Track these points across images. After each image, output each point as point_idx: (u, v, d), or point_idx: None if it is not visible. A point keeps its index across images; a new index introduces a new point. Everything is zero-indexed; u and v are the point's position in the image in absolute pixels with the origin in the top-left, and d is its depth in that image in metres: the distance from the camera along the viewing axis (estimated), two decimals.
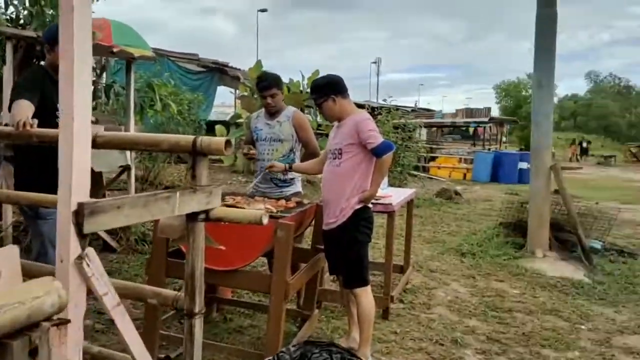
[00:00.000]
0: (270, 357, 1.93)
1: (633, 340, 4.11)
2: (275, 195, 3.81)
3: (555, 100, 63.28)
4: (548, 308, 4.71)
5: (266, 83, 3.81)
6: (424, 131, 23.68)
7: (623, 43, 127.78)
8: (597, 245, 6.60)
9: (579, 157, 33.99)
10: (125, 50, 4.98)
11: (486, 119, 20.00)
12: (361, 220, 3.24)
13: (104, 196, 5.35)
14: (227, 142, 2.02)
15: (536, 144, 6.48)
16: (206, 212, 2.08)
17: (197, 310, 2.08)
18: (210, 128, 10.73)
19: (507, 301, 4.85)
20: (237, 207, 2.99)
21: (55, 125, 2.85)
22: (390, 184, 10.00)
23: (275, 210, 3.05)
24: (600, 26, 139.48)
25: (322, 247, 3.45)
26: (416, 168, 16.82)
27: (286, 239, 2.78)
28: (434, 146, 22.05)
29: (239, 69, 11.33)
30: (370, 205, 3.34)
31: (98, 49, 4.54)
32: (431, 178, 16.74)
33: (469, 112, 21.06)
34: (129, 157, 4.53)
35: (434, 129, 24.93)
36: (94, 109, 5.07)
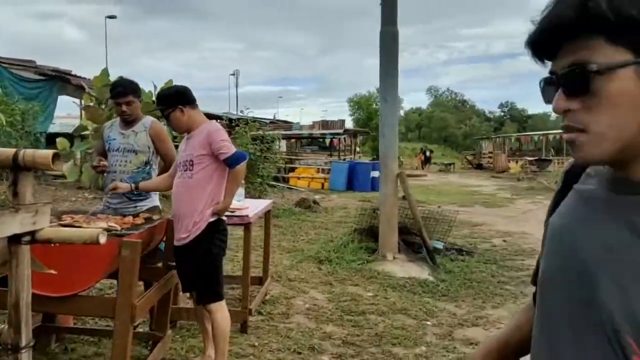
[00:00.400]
0: None
1: (472, 332, 4.50)
2: (129, 211, 3.56)
3: (402, 113, 68.38)
4: (398, 308, 5.00)
5: (121, 89, 3.56)
6: (283, 143, 24.06)
7: (457, 62, 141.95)
8: (439, 245, 7.18)
9: (423, 165, 36.93)
10: None
11: (341, 131, 20.89)
12: (215, 233, 3.16)
13: None
14: (56, 155, 1.84)
15: (384, 153, 6.89)
16: (32, 233, 1.87)
17: (23, 343, 1.85)
18: (52, 141, 9.82)
19: (362, 304, 5.05)
20: (75, 227, 2.75)
21: None
22: (250, 195, 10.02)
23: (119, 228, 2.84)
24: (437, 46, 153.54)
25: (174, 264, 3.30)
26: (276, 179, 16.99)
27: (132, 258, 2.60)
28: (293, 157, 22.48)
29: (84, 78, 10.51)
30: (224, 218, 3.27)
31: None
32: (291, 188, 17.02)
33: (325, 124, 21.84)
34: None
35: (293, 140, 25.47)
36: None
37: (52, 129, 11.57)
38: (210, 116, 19.63)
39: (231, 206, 4.30)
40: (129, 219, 3.20)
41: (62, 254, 2.53)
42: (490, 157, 35.98)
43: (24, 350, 1.83)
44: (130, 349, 2.66)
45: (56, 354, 3.43)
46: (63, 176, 9.76)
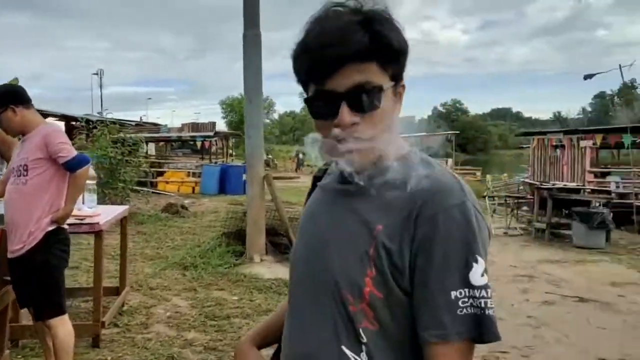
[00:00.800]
0: None
1: None
2: None
3: (276, 116, 69.09)
4: (263, 309, 5.01)
5: None
6: (151, 145, 23.03)
7: None
8: None
9: (298, 167, 37.51)
10: None
11: (211, 133, 20.49)
12: (55, 243, 2.93)
13: None
14: None
15: (250, 155, 6.88)
16: None
17: None
18: None
19: (226, 308, 4.99)
20: None
21: None
22: (112, 202, 9.45)
23: None
24: None
25: (9, 278, 3.00)
26: (142, 184, 16.23)
27: None
28: (162, 161, 21.62)
29: None
30: (65, 226, 3.04)
31: None
32: (159, 193, 16.37)
33: (195, 126, 21.25)
34: None
35: (162, 143, 24.50)
36: None
37: None
38: (68, 118, 18.21)
39: (81, 213, 4.04)
40: None
41: None
42: None
43: None
44: None
45: None
46: None
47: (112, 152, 9.52)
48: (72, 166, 2.91)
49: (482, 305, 0.85)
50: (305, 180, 26.30)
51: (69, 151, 2.90)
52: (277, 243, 7.02)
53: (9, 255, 2.90)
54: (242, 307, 5.05)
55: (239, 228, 7.49)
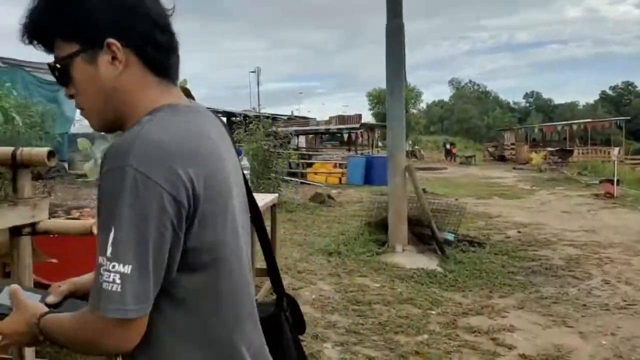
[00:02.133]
0: None
1: (475, 320, 4.58)
2: None
3: (424, 106, 68.00)
4: (404, 298, 5.09)
5: None
6: (302, 138, 24.20)
7: (480, 52, 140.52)
8: (451, 237, 7.23)
9: (451, 157, 36.46)
10: None
11: (357, 125, 20.93)
12: None
13: None
14: (51, 153, 1.99)
15: (391, 146, 6.97)
16: (32, 225, 2.02)
17: None
18: (73, 142, 10.12)
19: (368, 294, 5.16)
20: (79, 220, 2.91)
21: None
22: (265, 191, 10.17)
23: None
24: (458, 37, 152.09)
25: None
26: (293, 175, 17.15)
27: None
28: (311, 152, 22.60)
29: None
30: None
31: None
32: (308, 183, 17.16)
33: (342, 118, 21.90)
34: None
35: (311, 136, 25.58)
36: None
37: (73, 130, 11.90)
38: (229, 114, 19.85)
39: None
40: None
41: (78, 245, 2.70)
42: (512, 149, 35.57)
43: None
44: None
45: None
46: (85, 175, 10.04)
47: (266, 144, 10.21)
48: None
49: (102, 278, 0.83)
50: (453, 171, 25.68)
51: None
52: (420, 233, 7.02)
53: None
54: (383, 295, 5.17)
55: (382, 218, 7.62)
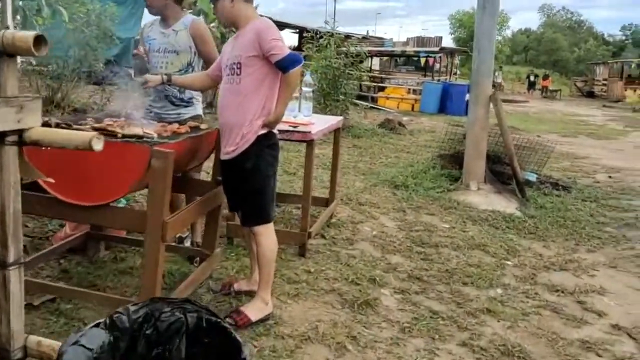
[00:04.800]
0: (102, 320, 1.52)
1: (558, 277, 3.96)
2: (171, 118, 3.33)
3: (509, 33, 63.44)
4: (476, 243, 4.51)
5: None
6: (376, 60, 23.03)
7: None
8: (532, 177, 6.47)
9: (529, 90, 34.13)
10: None
11: (436, 49, 19.51)
12: (265, 147, 2.80)
13: None
14: (39, 38, 1.50)
15: (477, 69, 6.10)
16: (19, 133, 1.58)
17: (11, 259, 1.63)
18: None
19: (435, 236, 4.62)
20: (108, 132, 2.49)
21: None
22: (332, 113, 9.59)
23: (155, 136, 2.55)
24: None
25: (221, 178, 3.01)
26: (363, 98, 16.38)
27: (163, 170, 2.32)
28: (384, 76, 21.53)
29: None
30: (275, 131, 2.89)
31: None
32: (378, 108, 16.39)
33: (420, 41, 20.46)
34: None
35: (386, 58, 24.32)
36: None
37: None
38: (301, 30, 18.98)
39: (295, 121, 3.94)
40: (174, 126, 2.91)
41: (86, 159, 2.30)
42: (604, 85, 32.64)
43: (11, 268, 1.61)
44: (162, 267, 2.45)
45: (105, 262, 3.36)
46: None
47: (336, 63, 9.50)
48: (284, 65, 2.68)
49: None
50: (536, 105, 23.91)
51: (282, 49, 2.67)
52: (499, 172, 6.29)
53: (222, 157, 2.87)
54: (452, 237, 4.62)
55: (457, 151, 6.92)
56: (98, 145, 1.57)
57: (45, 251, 2.98)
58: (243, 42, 2.73)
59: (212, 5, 2.86)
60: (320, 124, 4.10)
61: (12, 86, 1.54)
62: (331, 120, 4.45)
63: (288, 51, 2.70)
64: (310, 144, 3.74)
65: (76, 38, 6.42)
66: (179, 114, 3.38)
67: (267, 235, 2.85)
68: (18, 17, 4.51)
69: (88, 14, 6.56)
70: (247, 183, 2.81)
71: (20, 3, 4.66)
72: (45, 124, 2.46)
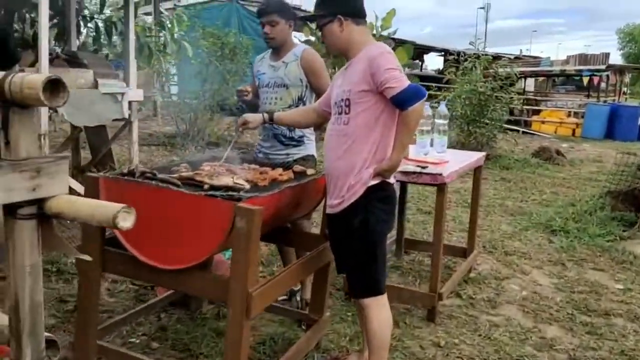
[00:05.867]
0: None
1: None
2: (280, 159, 2.98)
3: None
4: None
5: (264, 7, 2.94)
6: (530, 81, 21.24)
7: None
8: None
9: None
10: None
11: (603, 67, 17.33)
12: (377, 201, 2.27)
13: (110, 153, 4.74)
14: (54, 82, 1.16)
15: None
16: (37, 203, 1.25)
17: None
18: None
19: (605, 300, 3.68)
20: (196, 182, 2.16)
21: None
22: (477, 141, 8.71)
23: (247, 187, 2.16)
24: None
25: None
26: (515, 122, 15.01)
27: (248, 232, 1.90)
28: (539, 98, 19.71)
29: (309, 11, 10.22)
30: (391, 180, 2.35)
31: None
32: (532, 134, 14.91)
33: (583, 58, 18.33)
34: (125, 108, 3.78)
35: (542, 78, 22.35)
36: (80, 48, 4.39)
37: None
38: (446, 52, 18.16)
39: (425, 159, 3.36)
40: (275, 173, 2.51)
41: (166, 214, 1.99)
42: None
43: None
44: (246, 347, 2.02)
45: (205, 318, 3.04)
46: None
47: (482, 87, 8.65)
48: (402, 100, 2.15)
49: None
50: None
51: (399, 80, 2.14)
52: None
53: (327, 210, 2.40)
54: (628, 303, 3.65)
55: (631, 187, 5.71)
56: (125, 222, 1.18)
57: (126, 315, 2.71)
58: (353, 73, 2.25)
59: (320, 32, 2.42)
60: (456, 162, 3.46)
61: (25, 145, 1.21)
62: (470, 158, 3.76)
63: (407, 83, 2.16)
64: (441, 188, 3.12)
65: (210, 72, 6.54)
66: (287, 154, 3.01)
67: (378, 309, 2.29)
68: (144, 54, 4.55)
69: (222, 48, 6.64)
70: (354, 245, 2.29)
71: (145, 39, 4.71)
72: (130, 173, 2.20)
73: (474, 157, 3.80)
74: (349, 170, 2.25)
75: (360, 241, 2.27)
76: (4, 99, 1.17)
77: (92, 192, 2.19)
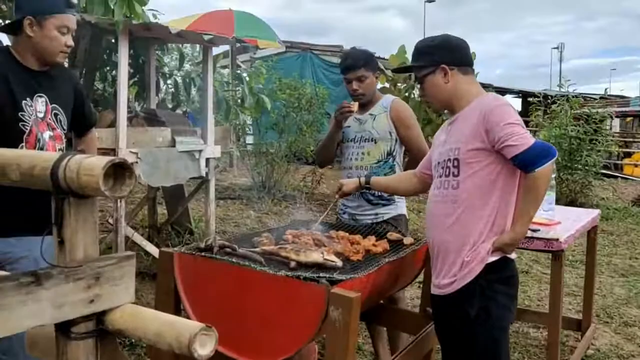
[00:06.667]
0: None
1: None
2: (368, 219, 2.69)
3: None
4: None
5: (350, 62, 2.71)
6: (616, 122, 19.97)
7: None
8: None
9: None
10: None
11: None
12: (497, 282, 1.88)
13: (186, 212, 4.60)
14: (121, 168, 0.91)
15: None
16: (96, 318, 0.99)
17: None
18: None
19: None
20: (281, 257, 1.88)
21: (17, 133, 2.02)
22: (569, 189, 8.00)
23: (340, 264, 1.84)
24: None
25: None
26: (605, 167, 13.96)
27: (344, 323, 1.58)
28: (628, 139, 18.42)
29: (384, 59, 10.05)
30: (512, 256, 1.95)
31: (217, 40, 3.79)
32: (626, 178, 13.77)
33: None
34: (202, 166, 3.63)
35: (629, 119, 20.98)
36: (159, 104, 4.32)
37: None
38: (525, 94, 17.43)
39: (534, 220, 2.92)
40: (369, 242, 2.19)
41: (250, 300, 1.71)
42: None
43: None
44: None
45: None
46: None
47: (573, 130, 8.02)
48: (528, 161, 1.78)
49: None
50: None
51: (523, 137, 1.79)
52: None
53: (434, 290, 2.02)
54: None
55: None
56: (204, 348, 0.89)
57: None
58: (462, 129, 1.92)
59: (420, 85, 2.11)
60: (569, 222, 3.01)
61: (84, 245, 0.96)
62: (583, 217, 3.27)
63: (533, 140, 1.80)
64: (557, 255, 2.67)
65: (287, 123, 6.43)
66: (377, 214, 2.70)
67: None
68: (222, 109, 4.44)
69: (299, 99, 6.54)
70: (471, 341, 1.90)
71: (223, 93, 4.61)
72: (208, 248, 1.95)
73: (588, 216, 3.32)
74: (462, 245, 1.88)
75: (478, 333, 1.88)
76: (59, 187, 0.93)
77: (166, 268, 1.96)
